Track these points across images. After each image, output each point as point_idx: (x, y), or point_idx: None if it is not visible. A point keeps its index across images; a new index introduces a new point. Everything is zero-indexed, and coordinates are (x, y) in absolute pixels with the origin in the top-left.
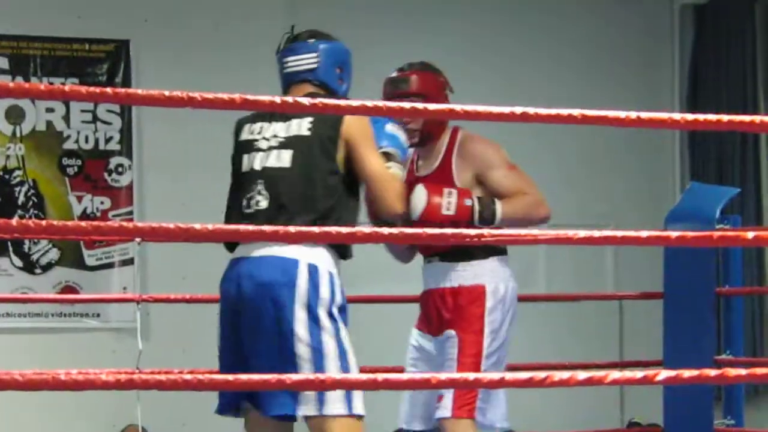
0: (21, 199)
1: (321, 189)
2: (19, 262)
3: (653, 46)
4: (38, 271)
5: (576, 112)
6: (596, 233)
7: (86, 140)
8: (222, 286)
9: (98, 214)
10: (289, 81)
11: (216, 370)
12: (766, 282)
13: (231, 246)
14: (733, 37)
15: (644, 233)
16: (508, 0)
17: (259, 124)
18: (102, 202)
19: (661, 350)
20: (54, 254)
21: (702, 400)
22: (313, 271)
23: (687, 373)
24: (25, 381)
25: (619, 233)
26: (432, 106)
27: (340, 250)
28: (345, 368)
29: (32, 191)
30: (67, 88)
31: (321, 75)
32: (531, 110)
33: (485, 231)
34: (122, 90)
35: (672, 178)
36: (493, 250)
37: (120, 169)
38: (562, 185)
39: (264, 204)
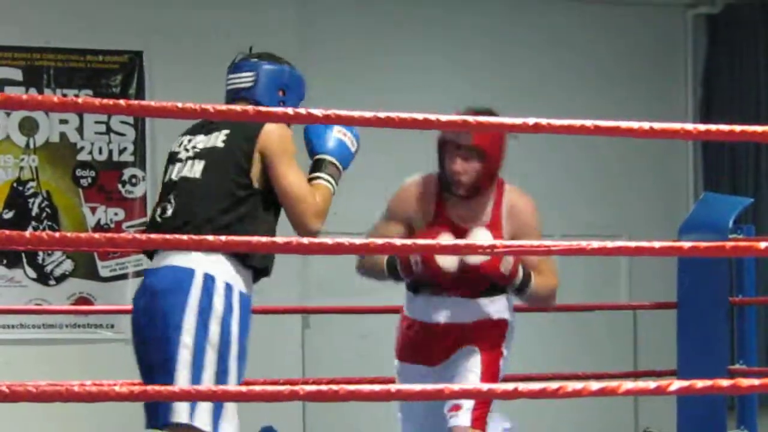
0: (35, 210)
1: (227, 201)
2: (33, 274)
3: (666, 56)
4: (52, 282)
5: (589, 122)
6: (609, 244)
7: (100, 152)
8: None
9: (112, 226)
10: (228, 98)
11: None
12: None
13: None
14: (746, 46)
15: (657, 244)
16: (521, 10)
17: (187, 137)
18: (116, 214)
19: (675, 360)
20: (68, 265)
21: (716, 410)
22: (208, 281)
23: (700, 383)
24: (39, 392)
25: (633, 244)
26: (444, 117)
27: (251, 264)
28: (222, 384)
29: (46, 203)
30: (80, 100)
31: (257, 95)
32: (543, 121)
33: (498, 242)
34: (135, 102)
35: (685, 189)
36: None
37: (134, 181)
38: (576, 196)
39: (169, 213)
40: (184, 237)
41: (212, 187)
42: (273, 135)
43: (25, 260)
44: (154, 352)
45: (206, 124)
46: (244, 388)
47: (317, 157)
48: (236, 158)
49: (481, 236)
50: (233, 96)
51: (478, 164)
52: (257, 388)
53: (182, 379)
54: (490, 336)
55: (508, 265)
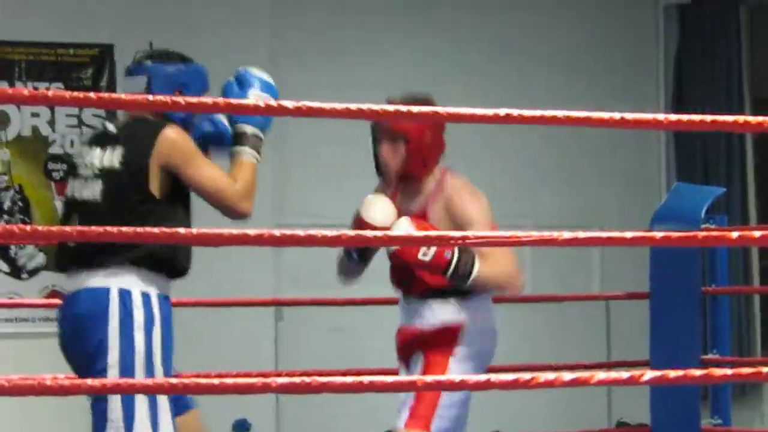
0: (7, 204)
1: (130, 220)
2: (5, 267)
3: (638, 47)
4: (25, 275)
5: (560, 113)
6: (581, 234)
7: (72, 145)
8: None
9: None
10: None
11: (204, 374)
12: (752, 281)
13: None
14: (718, 36)
15: (629, 234)
16: (492, 1)
17: (86, 148)
18: None
19: (648, 350)
20: (41, 259)
21: (689, 400)
22: (125, 296)
23: (673, 374)
24: (12, 386)
25: (605, 234)
26: (416, 109)
27: (163, 269)
28: (152, 397)
29: (18, 196)
30: (50, 93)
31: None
32: (515, 112)
33: (470, 233)
34: (106, 95)
35: (658, 179)
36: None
37: None
38: (549, 186)
39: None
40: (155, 230)
41: (112, 209)
42: (170, 145)
43: None
44: (85, 377)
45: (103, 137)
46: (216, 381)
47: (236, 129)
48: (135, 177)
49: (400, 227)
50: None
51: (404, 148)
52: (229, 380)
53: (114, 400)
54: (441, 340)
55: (427, 253)
